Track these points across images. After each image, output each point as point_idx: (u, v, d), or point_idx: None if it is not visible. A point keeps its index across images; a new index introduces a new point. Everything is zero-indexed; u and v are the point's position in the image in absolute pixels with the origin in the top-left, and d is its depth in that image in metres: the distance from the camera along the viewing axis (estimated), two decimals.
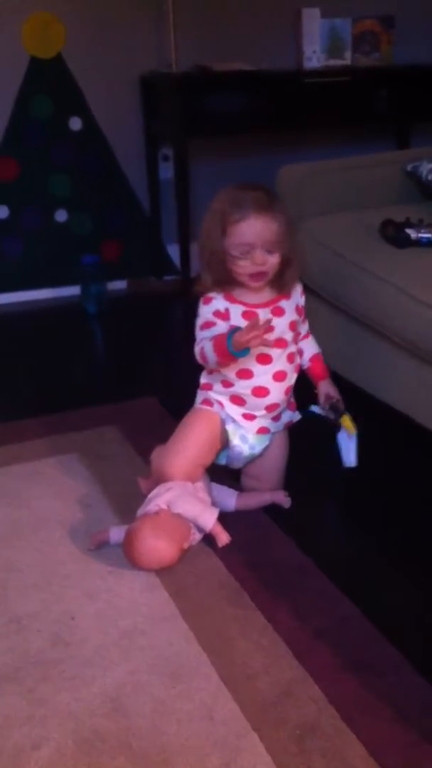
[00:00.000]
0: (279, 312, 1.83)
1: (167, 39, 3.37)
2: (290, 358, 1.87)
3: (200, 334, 1.81)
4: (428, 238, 2.03)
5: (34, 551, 1.80)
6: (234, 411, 1.88)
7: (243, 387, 1.85)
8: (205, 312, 1.82)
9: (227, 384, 1.86)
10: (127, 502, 1.93)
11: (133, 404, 2.48)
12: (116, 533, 1.78)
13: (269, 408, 1.88)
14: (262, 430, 1.91)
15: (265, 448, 1.93)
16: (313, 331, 1.98)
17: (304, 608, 1.61)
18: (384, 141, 3.80)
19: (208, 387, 1.89)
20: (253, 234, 1.70)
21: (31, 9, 3.25)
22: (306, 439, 2.01)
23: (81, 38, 3.34)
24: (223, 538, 1.77)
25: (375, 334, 2.07)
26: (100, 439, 2.27)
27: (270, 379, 1.84)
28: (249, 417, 1.88)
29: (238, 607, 1.61)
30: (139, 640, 1.54)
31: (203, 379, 1.91)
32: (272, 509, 1.92)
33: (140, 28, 3.42)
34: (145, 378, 2.69)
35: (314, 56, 3.56)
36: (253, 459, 1.93)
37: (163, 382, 2.64)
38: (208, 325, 1.80)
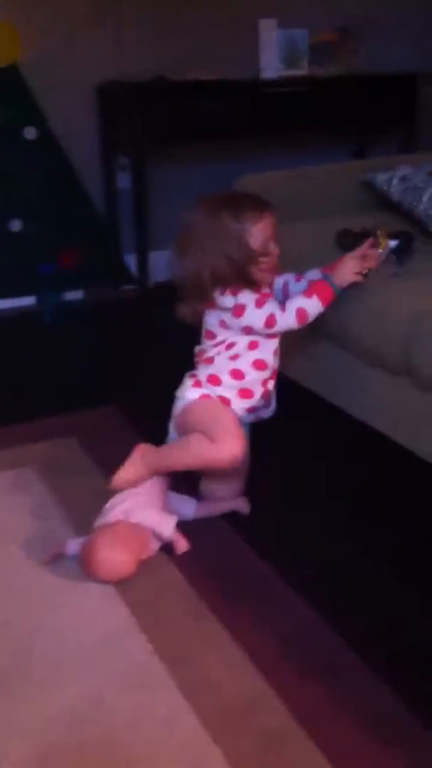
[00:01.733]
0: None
1: (124, 49, 3.37)
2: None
3: (264, 309, 1.80)
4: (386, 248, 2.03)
5: None
6: (240, 405, 1.87)
7: (256, 377, 1.87)
8: (247, 295, 1.79)
9: (238, 375, 1.85)
10: (84, 514, 1.90)
11: (92, 414, 2.45)
12: (73, 546, 1.75)
13: (265, 394, 1.90)
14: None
15: None
16: None
17: (266, 617, 1.60)
18: (341, 150, 3.83)
19: (216, 381, 1.86)
20: (272, 226, 1.80)
21: None
22: (266, 447, 2.01)
23: (37, 47, 3.31)
24: (182, 545, 1.76)
25: (335, 343, 2.07)
26: (57, 450, 2.24)
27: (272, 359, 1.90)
28: (251, 410, 1.90)
29: (198, 618, 1.60)
30: (99, 654, 1.51)
31: (208, 372, 1.87)
32: (231, 517, 1.91)
33: (98, 37, 3.41)
34: (104, 388, 2.67)
35: (272, 67, 3.58)
36: None
37: (122, 392, 2.61)
38: (263, 299, 1.81)
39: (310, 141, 3.74)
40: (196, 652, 1.51)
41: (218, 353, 1.86)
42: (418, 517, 1.93)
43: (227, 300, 1.80)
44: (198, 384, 1.88)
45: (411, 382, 1.85)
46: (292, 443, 2.24)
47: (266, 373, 1.88)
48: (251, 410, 1.90)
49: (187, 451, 1.83)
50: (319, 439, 2.28)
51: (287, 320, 1.82)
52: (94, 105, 3.49)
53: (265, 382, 1.89)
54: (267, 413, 1.96)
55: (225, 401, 1.86)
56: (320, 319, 1.88)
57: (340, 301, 1.88)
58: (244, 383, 1.86)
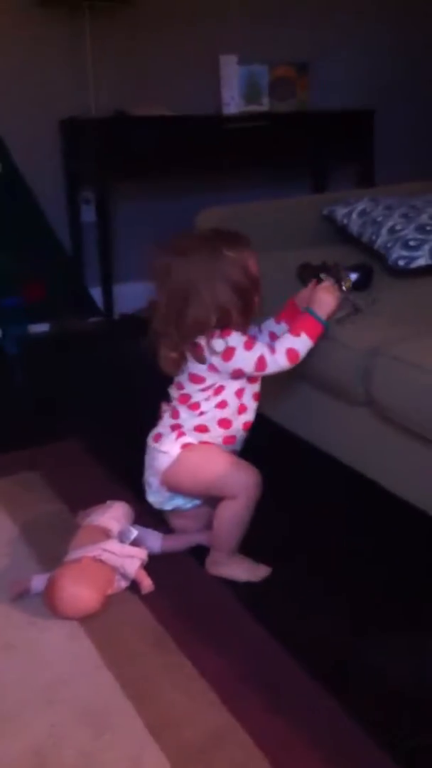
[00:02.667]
0: None
1: (87, 84, 3.41)
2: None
3: (254, 351, 1.77)
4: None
5: None
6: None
7: (239, 422, 1.87)
8: (236, 338, 1.76)
9: (226, 424, 1.85)
10: (49, 549, 1.89)
11: (56, 448, 2.44)
12: (38, 582, 1.74)
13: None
14: None
15: None
16: None
17: (232, 651, 1.59)
18: (302, 184, 3.88)
19: (204, 430, 1.85)
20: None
21: None
22: None
23: (0, 82, 3.34)
24: (146, 584, 1.76)
25: (298, 375, 2.09)
26: (20, 484, 2.22)
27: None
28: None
29: (163, 653, 1.59)
30: (63, 692, 1.50)
31: (195, 422, 1.85)
32: (197, 551, 1.91)
33: (60, 72, 3.44)
34: (69, 421, 2.66)
35: (232, 102, 3.63)
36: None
37: (87, 426, 2.61)
38: (251, 342, 1.78)
39: (272, 175, 3.80)
40: (162, 687, 1.50)
41: (206, 399, 1.83)
42: (382, 549, 1.95)
43: (218, 343, 1.75)
44: (182, 435, 1.85)
45: (371, 413, 1.88)
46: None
47: (247, 416, 1.88)
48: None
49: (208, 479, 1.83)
50: (285, 471, 2.29)
51: (279, 362, 1.77)
52: (58, 139, 3.52)
53: (245, 425, 1.89)
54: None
55: (208, 444, 1.86)
56: None
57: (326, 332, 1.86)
58: (230, 431, 1.87)
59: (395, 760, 1.34)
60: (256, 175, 3.79)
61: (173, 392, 1.88)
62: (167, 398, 1.91)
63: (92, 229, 3.54)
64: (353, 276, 2.01)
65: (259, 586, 1.81)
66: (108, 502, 1.96)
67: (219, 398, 1.83)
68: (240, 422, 1.88)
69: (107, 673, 1.54)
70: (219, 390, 1.83)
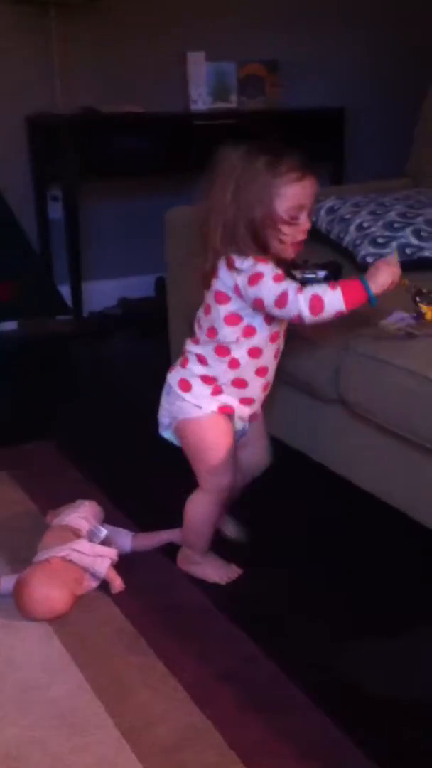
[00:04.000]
0: None
1: (54, 80, 3.38)
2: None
3: (281, 285, 1.60)
4: (313, 279, 2.06)
5: None
6: (241, 413, 1.78)
7: (256, 383, 1.76)
8: (268, 267, 1.61)
9: (241, 384, 1.74)
10: (18, 550, 1.87)
11: (25, 447, 2.43)
12: (7, 583, 1.73)
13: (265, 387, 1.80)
14: (254, 417, 1.83)
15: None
16: None
17: (206, 651, 1.59)
18: None
19: (242, 384, 1.73)
20: (309, 195, 1.62)
21: None
22: None
23: None
24: (117, 584, 1.75)
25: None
26: None
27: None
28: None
29: (136, 654, 1.59)
30: (34, 695, 1.49)
31: (229, 376, 1.71)
32: (169, 549, 1.90)
33: (27, 68, 3.41)
34: (40, 421, 2.64)
35: (200, 99, 3.63)
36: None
37: (59, 425, 2.59)
38: (281, 276, 1.62)
39: None
40: (135, 689, 1.50)
41: (235, 340, 1.69)
42: (358, 549, 1.95)
43: (246, 263, 1.61)
44: (219, 391, 1.72)
45: (343, 410, 1.89)
46: None
47: (267, 378, 1.78)
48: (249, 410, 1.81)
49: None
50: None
51: (299, 303, 1.58)
52: (25, 136, 3.49)
53: (265, 387, 1.79)
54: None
55: (229, 410, 1.75)
56: None
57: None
58: (268, 378, 1.77)
59: (370, 759, 1.34)
60: None
61: (201, 322, 1.73)
62: (192, 334, 1.78)
63: (60, 226, 3.51)
64: (321, 273, 2.01)
65: (234, 586, 1.80)
66: (77, 501, 1.95)
67: (251, 342, 1.69)
68: (258, 384, 1.76)
69: (79, 674, 1.53)
70: (250, 331, 1.68)
